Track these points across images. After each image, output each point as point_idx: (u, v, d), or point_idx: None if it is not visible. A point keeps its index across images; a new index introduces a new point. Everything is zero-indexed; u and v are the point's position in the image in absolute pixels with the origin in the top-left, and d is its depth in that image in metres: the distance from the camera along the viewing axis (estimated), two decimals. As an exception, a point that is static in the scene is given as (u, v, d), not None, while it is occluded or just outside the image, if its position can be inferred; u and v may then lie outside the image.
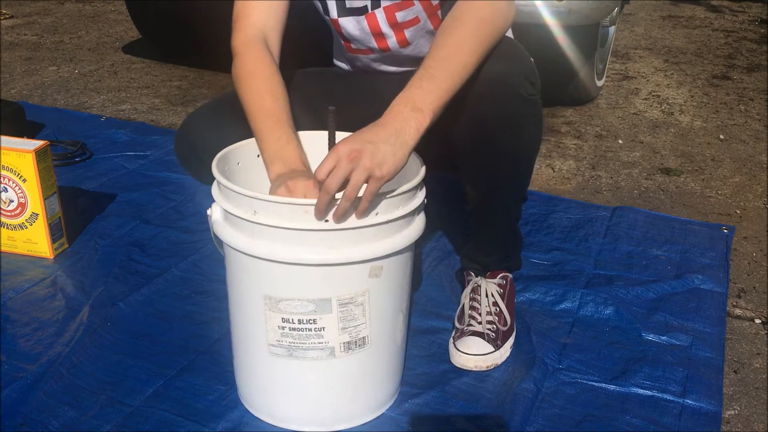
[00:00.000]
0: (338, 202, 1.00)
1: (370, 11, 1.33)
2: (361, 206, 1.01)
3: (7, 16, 4.12)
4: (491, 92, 1.18)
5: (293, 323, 1.08)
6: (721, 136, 2.63)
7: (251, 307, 1.11)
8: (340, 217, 1.01)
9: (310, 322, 1.08)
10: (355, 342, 1.12)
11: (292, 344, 1.10)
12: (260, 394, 1.20)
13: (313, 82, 1.48)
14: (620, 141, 2.55)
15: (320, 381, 1.14)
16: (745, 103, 3.01)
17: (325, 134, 1.19)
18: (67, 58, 3.39)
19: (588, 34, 2.60)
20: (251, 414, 1.22)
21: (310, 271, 1.05)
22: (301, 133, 1.23)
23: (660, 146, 2.52)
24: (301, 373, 1.13)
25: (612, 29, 3.11)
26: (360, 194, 1.01)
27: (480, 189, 1.35)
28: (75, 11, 4.34)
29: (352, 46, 1.40)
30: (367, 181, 1.00)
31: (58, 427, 1.18)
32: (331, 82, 1.50)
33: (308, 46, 1.95)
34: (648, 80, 3.28)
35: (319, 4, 1.37)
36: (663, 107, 2.93)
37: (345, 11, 1.35)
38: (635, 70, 3.44)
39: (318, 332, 1.09)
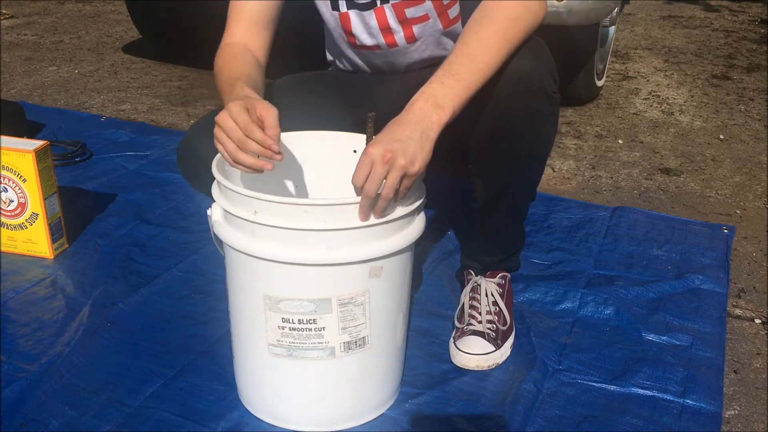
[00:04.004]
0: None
1: (378, 5, 1.33)
2: (399, 202, 1.06)
3: (7, 16, 4.12)
4: (517, 88, 1.18)
5: (293, 323, 1.08)
6: (721, 136, 2.63)
7: (251, 307, 1.11)
8: (379, 215, 1.04)
9: (310, 322, 1.08)
10: (355, 342, 1.12)
11: (292, 344, 1.10)
12: (260, 394, 1.20)
13: (314, 85, 1.48)
14: (620, 141, 2.55)
15: (320, 381, 1.14)
16: (745, 103, 3.01)
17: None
18: (67, 58, 3.39)
19: (588, 34, 2.60)
20: (251, 414, 1.22)
21: (310, 271, 1.05)
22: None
23: (660, 146, 2.52)
24: (301, 373, 1.13)
25: (612, 29, 3.10)
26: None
27: (492, 185, 1.34)
28: (75, 11, 4.33)
29: (357, 42, 1.40)
30: (401, 179, 1.03)
31: (58, 427, 1.18)
32: (334, 85, 1.49)
33: (306, 49, 1.95)
34: (648, 80, 3.28)
35: (325, 1, 1.37)
36: (663, 107, 2.93)
37: (352, 5, 1.34)
38: (635, 70, 3.44)
39: (318, 332, 1.09)
